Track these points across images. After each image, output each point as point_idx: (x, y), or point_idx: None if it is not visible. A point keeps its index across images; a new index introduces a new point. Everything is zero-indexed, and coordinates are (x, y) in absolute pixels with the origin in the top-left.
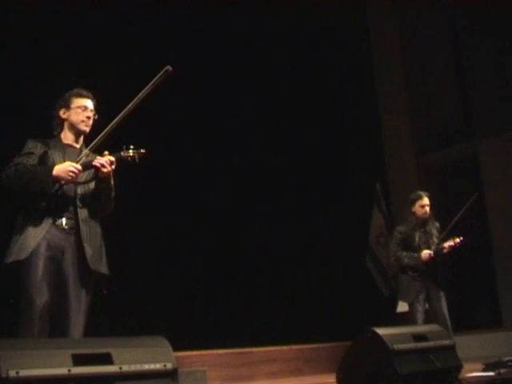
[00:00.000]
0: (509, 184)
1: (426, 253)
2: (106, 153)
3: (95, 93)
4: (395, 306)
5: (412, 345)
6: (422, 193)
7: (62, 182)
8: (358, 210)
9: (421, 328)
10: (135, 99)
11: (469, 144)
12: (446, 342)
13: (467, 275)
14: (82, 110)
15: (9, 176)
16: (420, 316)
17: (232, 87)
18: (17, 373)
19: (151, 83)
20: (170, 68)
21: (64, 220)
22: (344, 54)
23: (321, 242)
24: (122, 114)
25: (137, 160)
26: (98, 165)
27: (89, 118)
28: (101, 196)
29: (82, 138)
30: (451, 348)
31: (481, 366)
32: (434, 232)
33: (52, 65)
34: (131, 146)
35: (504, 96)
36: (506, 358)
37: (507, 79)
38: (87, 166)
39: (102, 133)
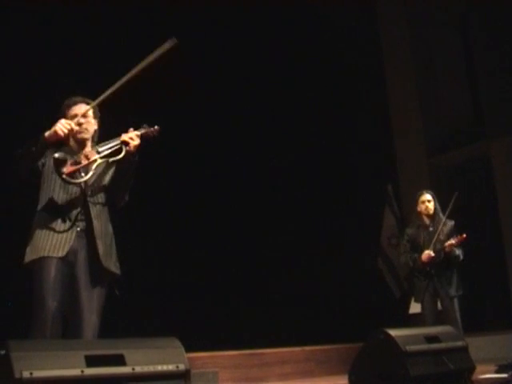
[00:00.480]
0: None
1: (425, 253)
2: (131, 129)
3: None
4: (407, 307)
5: (424, 346)
6: (423, 190)
7: (60, 135)
8: (369, 212)
9: (433, 329)
10: (136, 68)
11: (480, 145)
12: (458, 344)
13: (479, 276)
14: (73, 118)
15: (13, 160)
16: (430, 317)
17: (244, 86)
18: (30, 374)
19: (155, 53)
20: (176, 40)
21: (77, 221)
22: (355, 55)
23: (333, 244)
24: (121, 81)
25: (156, 135)
26: (127, 139)
27: (80, 124)
28: (126, 176)
29: (89, 142)
30: (464, 349)
31: (494, 368)
32: (444, 231)
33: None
34: (144, 125)
35: None
36: None
37: None
38: (111, 148)
39: (104, 93)
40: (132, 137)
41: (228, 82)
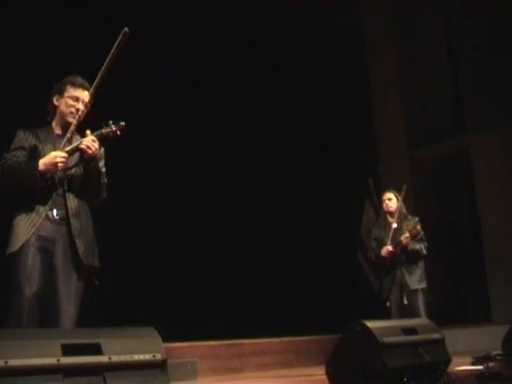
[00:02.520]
0: (500, 179)
1: (384, 248)
2: (88, 132)
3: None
4: (385, 300)
5: (401, 338)
6: (386, 190)
7: (52, 172)
8: (350, 204)
9: (410, 321)
10: (102, 70)
11: (461, 139)
12: (435, 336)
13: (458, 270)
14: (73, 100)
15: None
16: (395, 310)
17: (228, 85)
18: (5, 362)
19: (113, 49)
20: (127, 30)
21: (55, 211)
22: (339, 49)
23: (313, 236)
24: (93, 86)
25: (118, 133)
26: (83, 147)
27: (78, 110)
28: (90, 181)
29: (73, 128)
30: (440, 342)
31: (470, 360)
32: (407, 227)
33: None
34: (110, 122)
35: (496, 92)
36: (495, 352)
37: (500, 75)
38: (72, 150)
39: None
40: (88, 144)
41: (216, 77)
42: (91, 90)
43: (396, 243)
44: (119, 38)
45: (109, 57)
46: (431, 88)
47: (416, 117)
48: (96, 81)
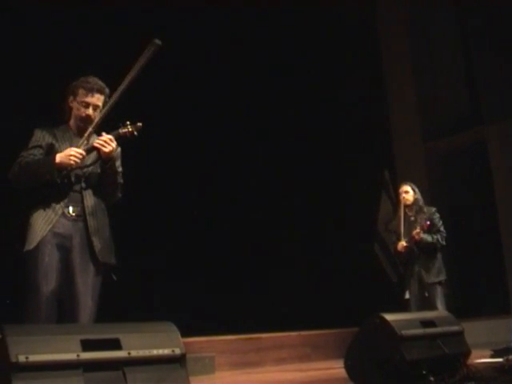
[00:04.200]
0: None
1: (399, 244)
2: (104, 133)
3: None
4: (404, 292)
5: (420, 330)
6: (403, 182)
7: (69, 169)
8: (366, 197)
9: (429, 314)
10: (128, 77)
11: (477, 130)
12: (454, 328)
13: (476, 261)
14: (83, 106)
15: (14, 174)
16: (413, 303)
17: (239, 84)
18: (26, 358)
19: (141, 58)
20: (158, 41)
21: (71, 208)
22: (352, 41)
23: (330, 229)
24: (118, 92)
25: (135, 134)
26: (97, 145)
27: (88, 116)
28: (107, 180)
29: (91, 130)
30: (459, 334)
31: (489, 353)
32: (420, 220)
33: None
34: (127, 122)
35: (511, 82)
36: None
37: None
38: (90, 148)
39: (101, 113)
40: (103, 143)
41: (221, 78)
42: (114, 98)
43: (409, 238)
44: (149, 49)
45: (136, 68)
46: (446, 79)
47: (431, 109)
48: (119, 91)
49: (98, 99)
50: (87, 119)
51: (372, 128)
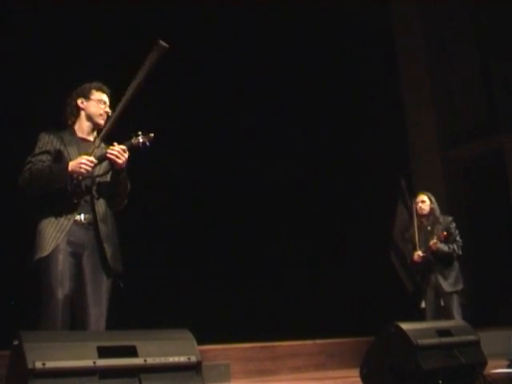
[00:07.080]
0: None
1: (415, 254)
2: (116, 144)
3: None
4: (420, 301)
5: (436, 340)
6: (419, 191)
7: (80, 178)
8: (382, 206)
9: (445, 323)
10: (135, 82)
11: (494, 139)
12: (470, 338)
13: (493, 270)
14: (102, 103)
15: (25, 181)
16: (429, 313)
17: (252, 82)
18: (43, 364)
19: (147, 61)
20: (163, 43)
21: (82, 216)
22: (369, 50)
23: (346, 238)
24: (126, 97)
25: (148, 144)
26: (112, 156)
27: (106, 112)
28: (118, 188)
29: (95, 131)
30: (476, 343)
31: (506, 363)
32: (436, 230)
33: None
34: (139, 133)
35: None
36: None
37: None
38: (102, 158)
39: (110, 120)
40: (117, 154)
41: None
42: (121, 105)
43: (426, 248)
44: (154, 52)
45: (143, 72)
46: (463, 88)
47: (448, 117)
48: (126, 96)
49: (107, 98)
50: (105, 115)
51: (389, 136)
